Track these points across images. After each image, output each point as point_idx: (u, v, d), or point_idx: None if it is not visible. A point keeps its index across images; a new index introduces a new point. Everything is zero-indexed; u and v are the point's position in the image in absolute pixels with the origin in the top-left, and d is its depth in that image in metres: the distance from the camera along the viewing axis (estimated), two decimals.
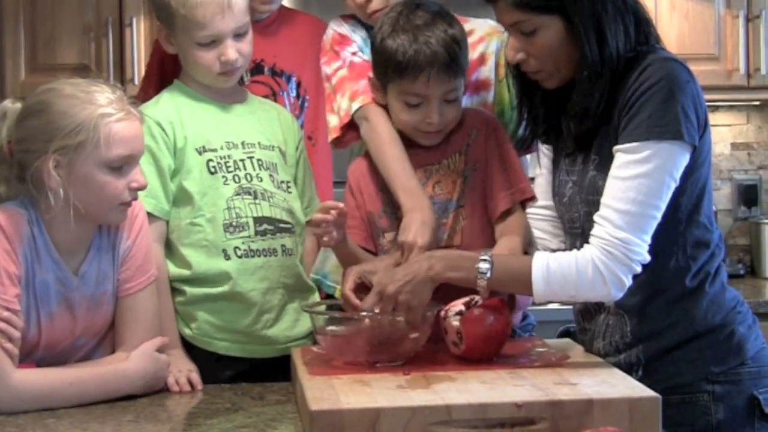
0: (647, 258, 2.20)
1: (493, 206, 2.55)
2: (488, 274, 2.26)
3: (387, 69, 2.49)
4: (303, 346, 2.59)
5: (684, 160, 2.20)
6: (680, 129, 2.18)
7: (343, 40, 2.74)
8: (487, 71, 2.73)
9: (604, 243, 2.20)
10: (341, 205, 2.44)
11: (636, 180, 2.17)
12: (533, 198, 2.57)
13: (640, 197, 2.17)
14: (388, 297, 2.29)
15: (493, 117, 2.65)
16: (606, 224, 2.20)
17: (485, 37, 2.73)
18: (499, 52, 2.72)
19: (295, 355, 2.47)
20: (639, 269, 2.20)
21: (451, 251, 2.42)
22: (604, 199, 2.22)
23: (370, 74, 2.60)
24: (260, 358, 2.69)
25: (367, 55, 2.68)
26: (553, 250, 2.48)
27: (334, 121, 2.70)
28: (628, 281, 2.21)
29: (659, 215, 2.20)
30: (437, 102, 2.47)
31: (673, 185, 2.20)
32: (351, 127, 2.65)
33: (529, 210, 2.59)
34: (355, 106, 2.61)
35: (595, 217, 2.22)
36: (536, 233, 2.56)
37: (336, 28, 2.77)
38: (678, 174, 2.20)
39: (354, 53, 2.71)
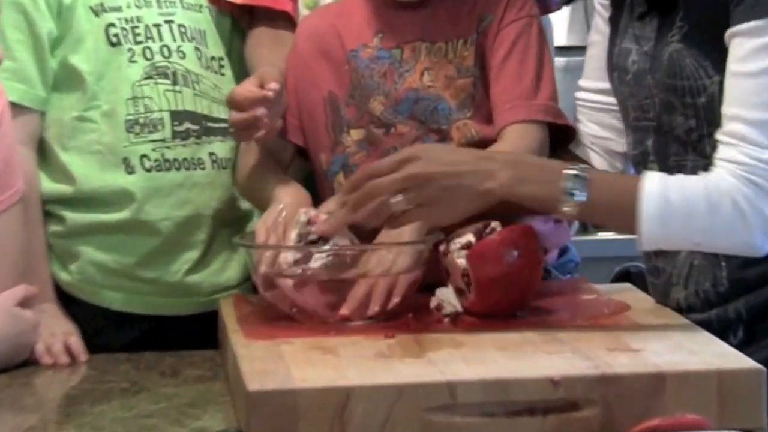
0: None
1: (497, 122, 2.20)
2: (583, 195, 1.87)
3: None
4: (236, 295, 2.27)
5: None
6: None
7: None
8: None
9: (744, 170, 1.88)
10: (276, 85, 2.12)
11: None
12: (567, 126, 2.24)
13: None
14: (399, 177, 1.81)
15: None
16: (742, 144, 1.89)
17: None
18: None
19: (226, 308, 2.14)
20: None
21: (517, 154, 2.03)
22: (729, 108, 1.92)
23: None
24: (173, 316, 2.34)
25: None
26: (619, 153, 2.23)
27: None
28: None
29: None
30: None
31: None
32: None
33: (577, 98, 2.27)
34: None
35: (720, 136, 1.92)
36: (592, 131, 2.24)
37: None
38: None
39: None
